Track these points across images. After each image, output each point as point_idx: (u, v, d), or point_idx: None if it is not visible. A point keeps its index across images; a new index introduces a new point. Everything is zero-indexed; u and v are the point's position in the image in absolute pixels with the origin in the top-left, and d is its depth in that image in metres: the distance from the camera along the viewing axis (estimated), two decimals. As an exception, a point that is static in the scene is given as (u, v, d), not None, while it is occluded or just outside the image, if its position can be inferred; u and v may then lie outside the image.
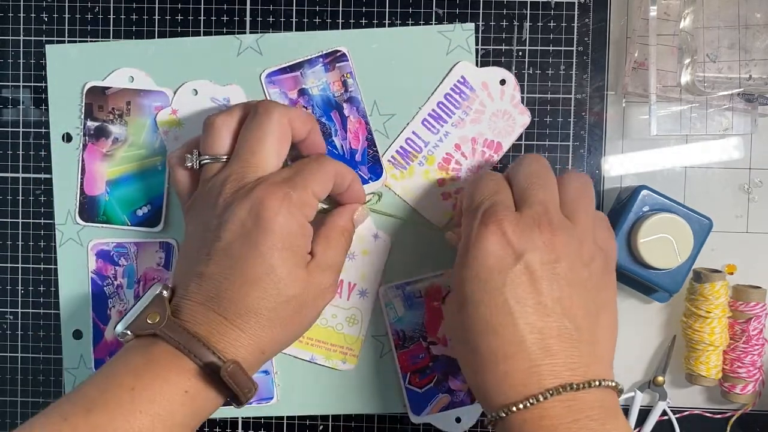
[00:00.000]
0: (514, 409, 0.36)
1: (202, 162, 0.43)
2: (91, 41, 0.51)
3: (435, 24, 0.50)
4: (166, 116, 0.50)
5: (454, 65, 0.49)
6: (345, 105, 0.50)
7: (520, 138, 0.50)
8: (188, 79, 0.50)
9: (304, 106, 0.50)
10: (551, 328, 0.36)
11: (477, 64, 0.50)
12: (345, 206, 0.46)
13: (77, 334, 0.52)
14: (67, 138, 0.51)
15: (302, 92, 0.50)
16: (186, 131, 0.50)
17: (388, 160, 0.50)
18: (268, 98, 0.50)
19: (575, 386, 0.35)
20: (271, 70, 0.50)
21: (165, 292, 0.40)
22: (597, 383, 0.36)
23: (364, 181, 0.49)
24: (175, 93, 0.50)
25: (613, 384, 0.37)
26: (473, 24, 0.49)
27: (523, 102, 0.50)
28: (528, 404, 0.35)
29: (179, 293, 0.40)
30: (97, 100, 0.50)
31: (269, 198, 0.39)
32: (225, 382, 0.37)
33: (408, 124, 0.50)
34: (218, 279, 0.39)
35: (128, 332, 0.39)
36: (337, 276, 0.43)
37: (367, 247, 0.50)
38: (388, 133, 0.50)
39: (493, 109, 0.50)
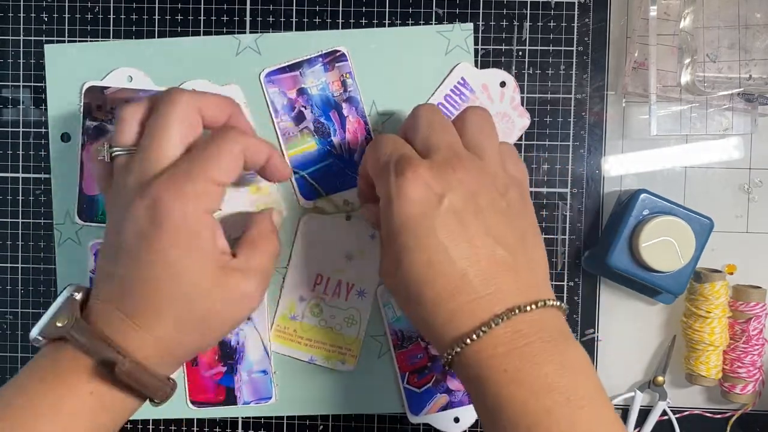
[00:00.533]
0: (468, 341, 0.36)
1: (113, 154, 0.41)
2: (90, 41, 0.51)
3: (435, 24, 0.50)
4: None
5: (454, 66, 0.49)
6: (344, 105, 0.50)
7: (519, 138, 0.50)
8: (187, 78, 0.50)
9: (303, 106, 0.50)
10: (488, 257, 0.37)
11: (477, 65, 0.50)
12: (262, 212, 0.45)
13: None
14: (66, 138, 0.51)
15: (301, 92, 0.50)
16: None
17: None
18: (268, 98, 0.50)
19: (522, 308, 0.36)
20: (270, 70, 0.50)
21: (76, 294, 0.39)
22: (542, 303, 0.36)
23: None
24: None
25: (558, 304, 0.37)
26: (472, 24, 0.49)
27: (523, 103, 0.50)
28: (480, 333, 0.35)
29: (93, 294, 0.40)
30: (95, 100, 0.50)
31: (163, 194, 0.37)
32: (123, 381, 0.37)
33: None
34: (123, 278, 0.38)
35: (40, 338, 0.38)
36: (264, 284, 0.41)
37: (364, 247, 0.50)
38: (386, 132, 0.50)
39: (492, 111, 0.49)
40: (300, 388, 0.51)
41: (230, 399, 0.51)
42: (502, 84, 0.49)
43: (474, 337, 0.36)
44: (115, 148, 0.41)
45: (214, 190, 0.39)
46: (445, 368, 0.38)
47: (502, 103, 0.49)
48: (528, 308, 0.36)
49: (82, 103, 0.50)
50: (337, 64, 0.49)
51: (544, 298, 0.37)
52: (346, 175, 0.50)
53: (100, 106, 0.50)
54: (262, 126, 0.50)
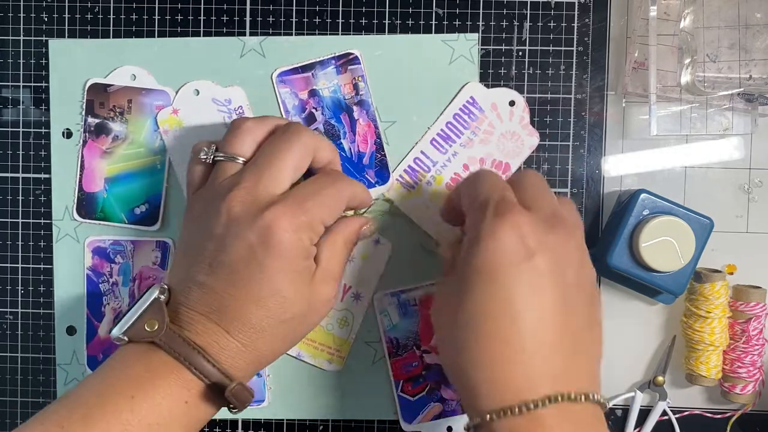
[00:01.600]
0: (508, 413, 0.34)
1: (216, 158, 0.43)
2: (92, 40, 0.51)
3: (435, 23, 0.50)
4: (167, 115, 0.50)
5: (463, 86, 0.49)
6: (355, 108, 0.50)
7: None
8: (190, 79, 0.50)
9: (314, 107, 0.50)
10: (553, 335, 0.35)
11: (477, 66, 0.50)
12: (354, 218, 0.45)
13: (71, 330, 0.52)
14: (68, 134, 0.51)
15: (313, 93, 0.50)
16: (187, 131, 0.50)
17: (397, 179, 0.50)
18: (279, 98, 0.50)
19: (573, 396, 0.35)
20: (282, 70, 0.50)
21: (162, 296, 0.40)
22: (592, 396, 0.35)
23: (370, 185, 0.49)
24: (176, 93, 0.50)
25: (603, 401, 0.37)
26: (477, 35, 0.49)
27: (532, 122, 0.50)
28: (523, 409, 0.34)
29: (178, 299, 0.40)
30: (98, 97, 0.50)
31: (279, 223, 0.39)
32: (228, 400, 0.38)
33: (417, 143, 0.50)
34: (221, 293, 0.39)
35: (125, 338, 0.39)
36: (338, 286, 0.43)
37: (367, 251, 0.50)
38: (388, 140, 0.50)
39: (502, 130, 0.50)
40: (293, 391, 0.51)
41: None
42: (512, 103, 0.49)
43: (516, 411, 0.34)
44: (220, 153, 0.43)
45: (321, 228, 0.41)
46: (468, 430, 0.36)
47: (511, 122, 0.49)
48: (578, 398, 0.35)
49: (84, 100, 0.50)
50: (350, 67, 0.49)
51: (594, 391, 0.36)
52: (354, 178, 0.50)
53: (103, 104, 0.50)
54: None
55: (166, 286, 0.40)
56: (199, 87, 0.50)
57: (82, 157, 0.51)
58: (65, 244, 0.51)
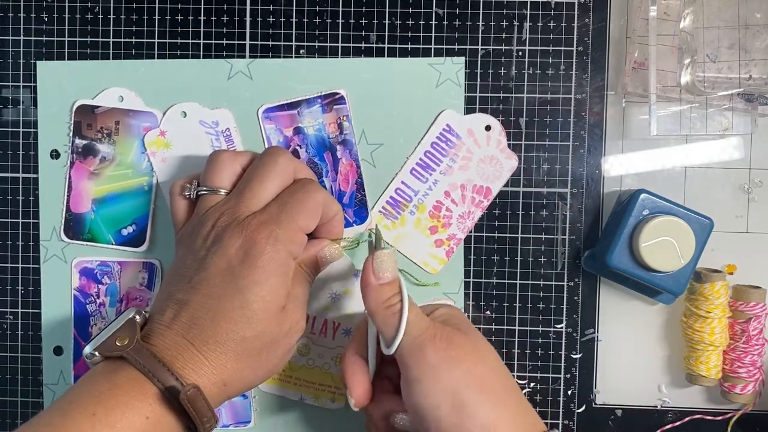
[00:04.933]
0: None
1: (199, 192, 0.44)
2: (89, 42, 0.51)
3: (435, 23, 0.50)
4: (155, 137, 0.50)
5: (439, 114, 0.49)
6: (338, 147, 0.50)
7: (519, 142, 0.50)
8: (178, 100, 0.50)
9: (298, 145, 0.50)
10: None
11: (477, 66, 0.50)
12: (313, 241, 0.45)
13: (58, 351, 0.52)
14: (56, 155, 0.51)
15: (298, 131, 0.50)
16: (174, 153, 0.50)
17: (380, 211, 0.50)
18: (264, 133, 0.50)
19: None
20: (268, 106, 0.50)
21: (138, 317, 0.40)
22: None
23: (349, 224, 0.50)
24: (164, 114, 0.50)
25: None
26: (463, 58, 0.50)
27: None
28: None
29: (155, 318, 0.40)
30: (86, 119, 0.50)
31: (257, 235, 0.40)
32: (184, 407, 0.37)
33: (396, 174, 0.50)
34: (195, 307, 0.39)
35: (96, 354, 0.39)
36: (304, 310, 0.43)
37: (349, 287, 0.50)
38: (375, 162, 0.50)
39: (480, 155, 0.50)
40: (279, 412, 0.52)
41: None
42: (488, 128, 0.50)
43: None
44: (202, 188, 0.44)
45: (300, 237, 0.42)
46: None
47: (488, 146, 0.50)
48: None
49: (72, 121, 0.50)
50: (335, 107, 0.50)
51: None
52: None
53: (90, 125, 0.50)
54: None
55: (144, 312, 0.41)
56: (186, 109, 0.50)
57: (70, 178, 0.51)
58: (52, 264, 0.51)
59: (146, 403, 0.37)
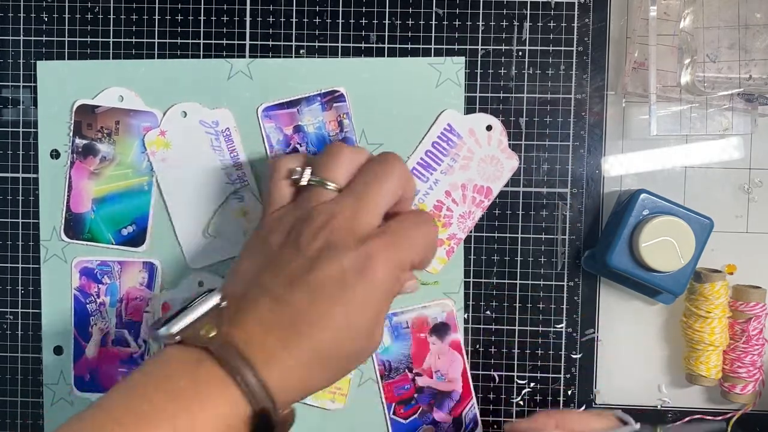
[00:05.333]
0: None
1: (311, 181, 0.41)
2: (89, 51, 0.51)
3: (435, 23, 0.50)
4: (155, 137, 0.50)
5: (440, 113, 0.49)
6: None
7: (519, 142, 0.50)
8: (178, 100, 0.50)
9: (298, 143, 0.50)
10: None
11: (477, 66, 0.50)
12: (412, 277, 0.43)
13: (58, 350, 0.52)
14: (56, 155, 0.51)
15: (298, 129, 0.50)
16: (174, 153, 0.50)
17: None
18: (264, 132, 0.50)
19: None
20: (268, 105, 0.50)
21: (223, 303, 0.37)
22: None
23: None
24: (164, 114, 0.50)
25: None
26: (463, 58, 0.50)
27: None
28: None
29: (240, 306, 0.37)
30: (86, 118, 0.50)
31: (378, 255, 0.38)
32: (266, 422, 0.35)
33: None
34: (294, 308, 0.37)
35: (177, 338, 0.36)
36: (382, 329, 0.41)
37: None
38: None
39: (481, 155, 0.50)
40: None
41: None
42: (488, 128, 0.50)
43: None
44: (316, 177, 0.41)
45: (408, 272, 0.40)
46: None
47: (489, 146, 0.50)
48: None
49: (72, 121, 0.50)
50: (335, 104, 0.50)
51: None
52: None
53: (90, 125, 0.50)
54: (262, 164, 0.50)
55: (223, 293, 0.38)
56: (186, 109, 0.50)
57: (70, 178, 0.51)
58: (53, 264, 0.51)
59: (232, 411, 0.34)
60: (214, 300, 0.37)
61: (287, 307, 0.37)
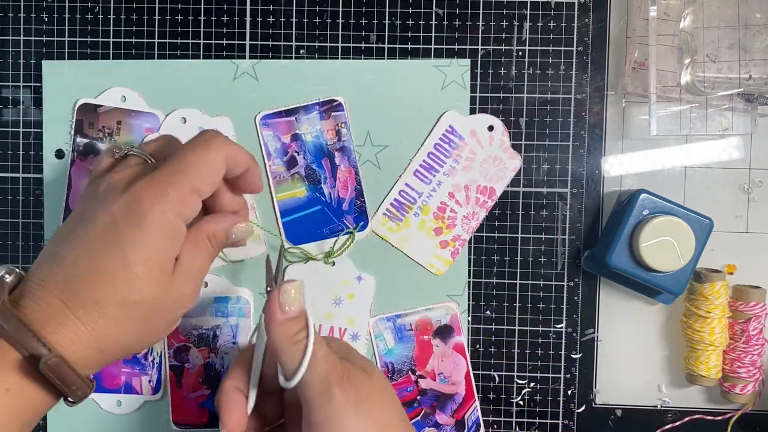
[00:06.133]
0: None
1: (128, 153, 0.42)
2: (90, 52, 0.51)
3: (435, 23, 0.50)
4: None
5: (441, 115, 0.49)
6: (337, 154, 0.50)
7: (519, 142, 0.50)
8: (181, 101, 0.50)
9: (296, 151, 0.50)
10: None
11: (477, 66, 0.50)
12: (222, 214, 0.43)
13: None
14: (60, 154, 0.51)
15: (295, 137, 0.50)
16: None
17: (384, 213, 0.50)
18: (261, 140, 0.50)
19: None
20: (266, 113, 0.50)
21: (8, 276, 0.37)
22: None
23: (349, 231, 0.50)
24: (164, 119, 0.50)
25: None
26: (469, 60, 0.50)
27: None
28: None
29: (30, 277, 0.37)
30: (88, 118, 0.50)
31: (145, 192, 0.37)
32: (44, 377, 0.34)
33: (400, 176, 0.50)
34: (70, 264, 0.36)
35: None
36: (199, 284, 0.41)
37: (352, 290, 0.50)
38: (380, 164, 0.50)
39: (483, 156, 0.50)
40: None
41: (213, 422, 0.51)
42: (490, 128, 0.50)
43: None
44: (135, 149, 0.42)
45: (194, 201, 0.39)
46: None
47: (491, 146, 0.50)
48: None
49: (74, 120, 0.50)
50: (333, 113, 0.50)
51: None
52: (332, 223, 0.50)
53: (92, 124, 0.50)
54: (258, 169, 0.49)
55: (19, 270, 0.38)
56: (186, 115, 0.50)
57: (70, 176, 0.51)
58: None
59: (7, 373, 0.34)
60: None
61: (63, 264, 0.36)
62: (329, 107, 0.50)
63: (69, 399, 0.37)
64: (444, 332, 0.51)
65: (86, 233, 0.37)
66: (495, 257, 0.51)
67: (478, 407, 0.51)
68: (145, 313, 0.38)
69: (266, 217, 0.50)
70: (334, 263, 0.50)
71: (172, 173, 0.38)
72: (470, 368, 0.51)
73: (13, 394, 0.34)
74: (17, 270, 0.38)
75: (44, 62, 0.51)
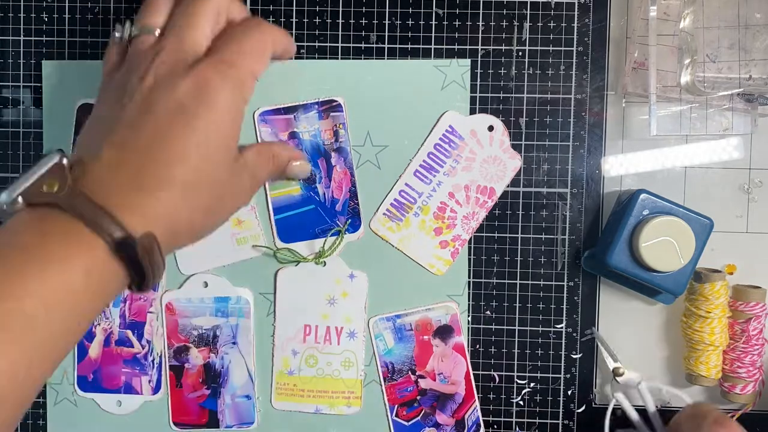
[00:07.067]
0: None
1: (133, 34, 0.41)
2: (89, 42, 0.51)
3: (435, 23, 0.50)
4: None
5: (441, 115, 0.49)
6: (333, 154, 0.50)
7: (519, 142, 0.50)
8: None
9: None
10: None
11: (477, 66, 0.50)
12: (291, 147, 0.47)
13: None
14: None
15: (293, 135, 0.50)
16: None
17: (384, 213, 0.50)
18: (259, 136, 0.50)
19: None
20: (265, 109, 0.50)
21: (65, 159, 0.35)
22: None
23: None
24: None
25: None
26: (469, 60, 0.50)
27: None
28: None
29: (86, 162, 0.36)
30: (88, 118, 0.50)
31: (212, 75, 0.38)
32: (138, 259, 0.33)
33: (400, 176, 0.50)
34: (140, 149, 0.36)
35: (19, 201, 0.33)
36: (253, 192, 0.43)
37: (345, 288, 0.50)
38: (380, 164, 0.50)
39: (483, 156, 0.50)
40: (281, 412, 0.52)
41: (213, 422, 0.51)
42: (490, 128, 0.50)
43: None
44: (136, 28, 0.41)
45: (252, 81, 0.40)
46: None
47: (491, 147, 0.50)
48: None
49: (74, 121, 0.50)
50: (332, 114, 0.50)
51: None
52: (325, 223, 0.50)
53: None
54: None
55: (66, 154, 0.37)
56: None
57: None
58: None
59: (86, 255, 0.33)
60: (54, 159, 0.35)
61: (132, 149, 0.36)
62: (328, 107, 0.50)
63: (142, 285, 0.36)
64: (444, 332, 0.51)
65: (153, 119, 0.37)
66: (495, 257, 0.51)
67: (478, 407, 0.51)
68: (214, 196, 0.38)
69: (259, 213, 0.50)
70: (325, 263, 0.50)
71: (233, 55, 0.39)
72: (470, 368, 0.51)
73: (93, 277, 0.33)
74: (71, 154, 0.37)
75: (44, 62, 0.51)
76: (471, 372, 0.51)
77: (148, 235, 0.34)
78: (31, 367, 0.31)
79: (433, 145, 0.50)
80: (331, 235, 0.50)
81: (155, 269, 0.35)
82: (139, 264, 0.34)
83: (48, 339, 0.32)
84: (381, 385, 0.51)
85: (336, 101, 0.50)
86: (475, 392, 0.51)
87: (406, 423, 0.51)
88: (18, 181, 0.34)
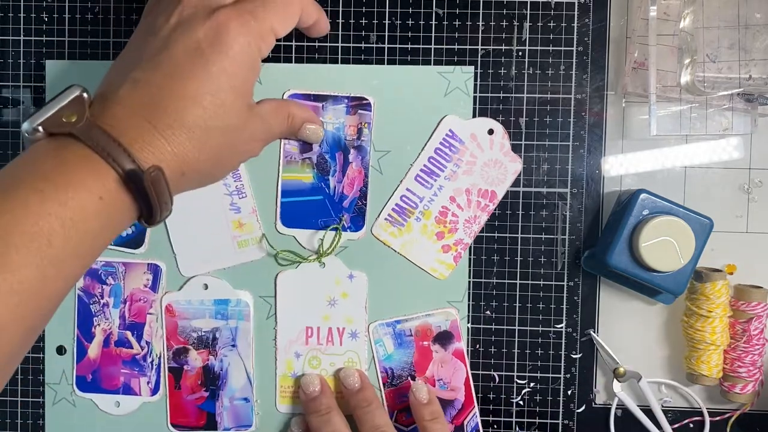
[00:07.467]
0: None
1: None
2: (90, 42, 0.51)
3: (435, 23, 0.50)
4: None
5: (441, 119, 0.49)
6: (352, 151, 0.50)
7: (519, 142, 0.50)
8: None
9: None
10: None
11: (477, 66, 0.50)
12: (307, 106, 0.48)
13: (60, 350, 0.52)
14: None
15: None
16: None
17: (386, 219, 0.50)
18: None
19: None
20: (295, 92, 0.50)
21: (85, 94, 0.37)
22: None
23: (343, 229, 0.50)
24: None
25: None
26: (472, 67, 0.50)
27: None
28: None
29: (106, 96, 0.38)
30: None
31: (230, 23, 0.38)
32: (145, 189, 0.35)
33: (401, 181, 0.50)
34: (155, 86, 0.37)
35: (39, 129, 0.36)
36: (264, 144, 0.44)
37: (345, 289, 0.50)
38: (382, 169, 0.50)
39: (484, 159, 0.50)
40: (280, 416, 0.52)
41: (210, 424, 0.51)
42: (490, 131, 0.50)
43: None
44: None
45: (271, 38, 0.41)
46: None
47: (492, 150, 0.50)
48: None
49: None
50: (360, 111, 0.50)
51: None
52: (329, 216, 0.50)
53: None
54: (270, 144, 0.49)
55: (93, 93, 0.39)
56: None
57: None
58: None
59: (100, 183, 0.35)
60: (74, 92, 0.37)
61: (147, 86, 0.37)
62: (357, 104, 0.50)
63: (150, 218, 0.37)
64: (444, 338, 0.50)
65: (170, 57, 0.38)
66: (495, 257, 0.51)
67: (478, 413, 0.51)
68: (225, 141, 0.39)
69: (267, 194, 0.50)
70: (324, 264, 0.50)
71: (257, 8, 0.40)
72: (470, 374, 0.51)
73: (105, 203, 0.35)
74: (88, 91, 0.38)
75: (47, 62, 0.51)
76: (470, 378, 0.51)
77: (156, 168, 0.36)
78: (45, 280, 0.33)
79: (434, 149, 0.50)
80: (330, 230, 0.49)
81: (162, 202, 0.36)
82: (146, 195, 0.36)
83: (62, 257, 0.33)
84: (381, 391, 0.51)
85: (366, 99, 0.49)
86: (474, 398, 0.51)
87: (405, 428, 0.51)
88: (39, 111, 0.36)
